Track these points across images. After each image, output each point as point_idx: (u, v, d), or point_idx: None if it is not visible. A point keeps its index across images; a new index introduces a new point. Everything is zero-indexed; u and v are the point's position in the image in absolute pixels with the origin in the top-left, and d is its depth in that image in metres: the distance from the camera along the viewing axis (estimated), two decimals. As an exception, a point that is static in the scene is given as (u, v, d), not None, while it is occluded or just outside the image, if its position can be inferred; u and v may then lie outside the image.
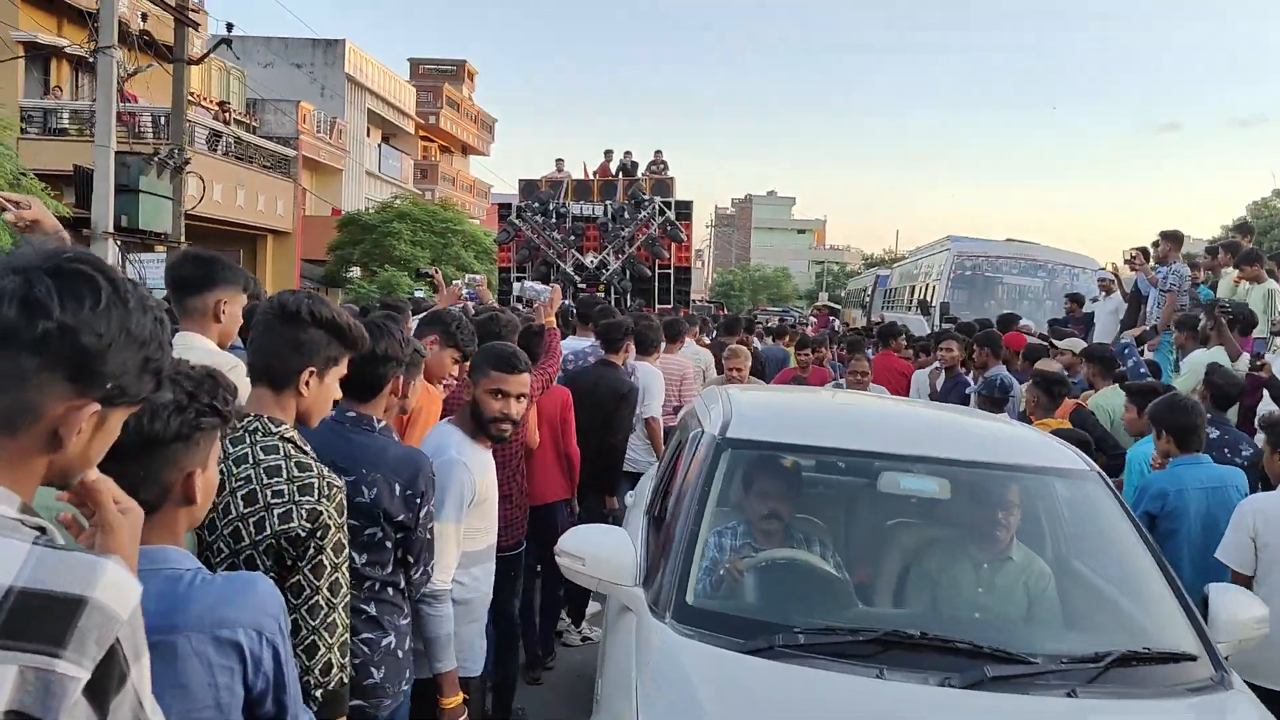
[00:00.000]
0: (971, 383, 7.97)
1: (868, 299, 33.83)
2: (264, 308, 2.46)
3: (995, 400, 6.54)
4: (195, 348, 3.02)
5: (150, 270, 14.87)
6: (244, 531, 2.19)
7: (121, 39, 16.82)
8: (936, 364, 8.84)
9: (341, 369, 2.45)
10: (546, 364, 5.08)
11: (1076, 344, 8.36)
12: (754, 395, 4.89)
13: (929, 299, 19.28)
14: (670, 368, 7.34)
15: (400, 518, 2.79)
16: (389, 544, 2.81)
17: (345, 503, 2.33)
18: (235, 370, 2.79)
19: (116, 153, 13.08)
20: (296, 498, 2.21)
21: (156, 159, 13.39)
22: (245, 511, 2.19)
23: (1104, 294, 12.09)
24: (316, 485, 2.24)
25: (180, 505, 1.74)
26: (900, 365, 10.55)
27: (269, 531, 2.18)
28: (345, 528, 2.31)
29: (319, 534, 2.20)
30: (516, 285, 19.57)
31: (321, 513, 2.22)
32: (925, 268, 21.49)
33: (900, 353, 11.26)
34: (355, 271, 31.30)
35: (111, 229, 12.84)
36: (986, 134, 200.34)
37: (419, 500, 2.82)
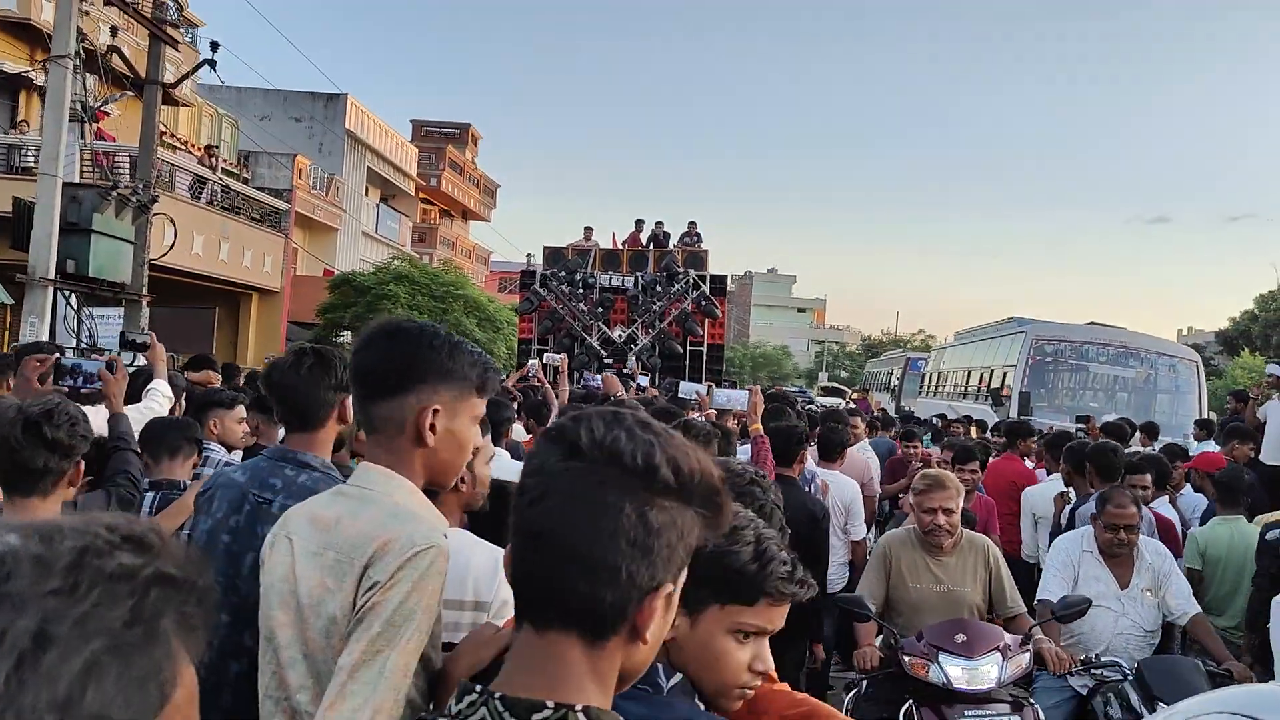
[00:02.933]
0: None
1: (895, 383, 31.60)
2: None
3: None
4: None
5: (103, 327, 12.44)
6: None
7: (93, 66, 14.67)
8: (1060, 484, 6.53)
9: None
10: None
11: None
12: None
13: (1000, 387, 16.96)
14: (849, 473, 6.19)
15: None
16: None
17: None
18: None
19: (66, 184, 10.72)
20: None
21: (115, 194, 11.01)
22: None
23: (1277, 394, 9.82)
24: None
25: None
26: (1022, 473, 8.21)
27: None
28: None
29: None
30: (536, 360, 17.80)
31: None
32: (988, 353, 19.22)
33: (1028, 456, 8.98)
34: (346, 336, 28.94)
35: (52, 274, 10.41)
36: (988, 219, 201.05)
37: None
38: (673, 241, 21.12)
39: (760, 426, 4.83)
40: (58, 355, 4.53)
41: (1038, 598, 4.53)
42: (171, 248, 13.02)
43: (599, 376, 6.34)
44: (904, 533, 4.53)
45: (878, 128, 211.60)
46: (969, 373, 20.66)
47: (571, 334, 18.75)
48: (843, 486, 5.87)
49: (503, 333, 29.76)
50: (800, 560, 4.56)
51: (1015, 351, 16.85)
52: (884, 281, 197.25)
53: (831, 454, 6.12)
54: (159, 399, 4.64)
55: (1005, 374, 17.26)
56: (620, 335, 18.80)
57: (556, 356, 13.91)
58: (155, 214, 12.63)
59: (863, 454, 7.40)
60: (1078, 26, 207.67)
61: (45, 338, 10.40)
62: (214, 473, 2.84)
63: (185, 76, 13.35)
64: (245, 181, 26.94)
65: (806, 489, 5.32)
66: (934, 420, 13.99)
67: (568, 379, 8.08)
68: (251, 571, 2.20)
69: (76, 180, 12.92)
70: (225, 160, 27.90)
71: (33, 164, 19.27)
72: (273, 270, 24.02)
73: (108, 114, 20.15)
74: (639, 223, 21.81)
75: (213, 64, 12.59)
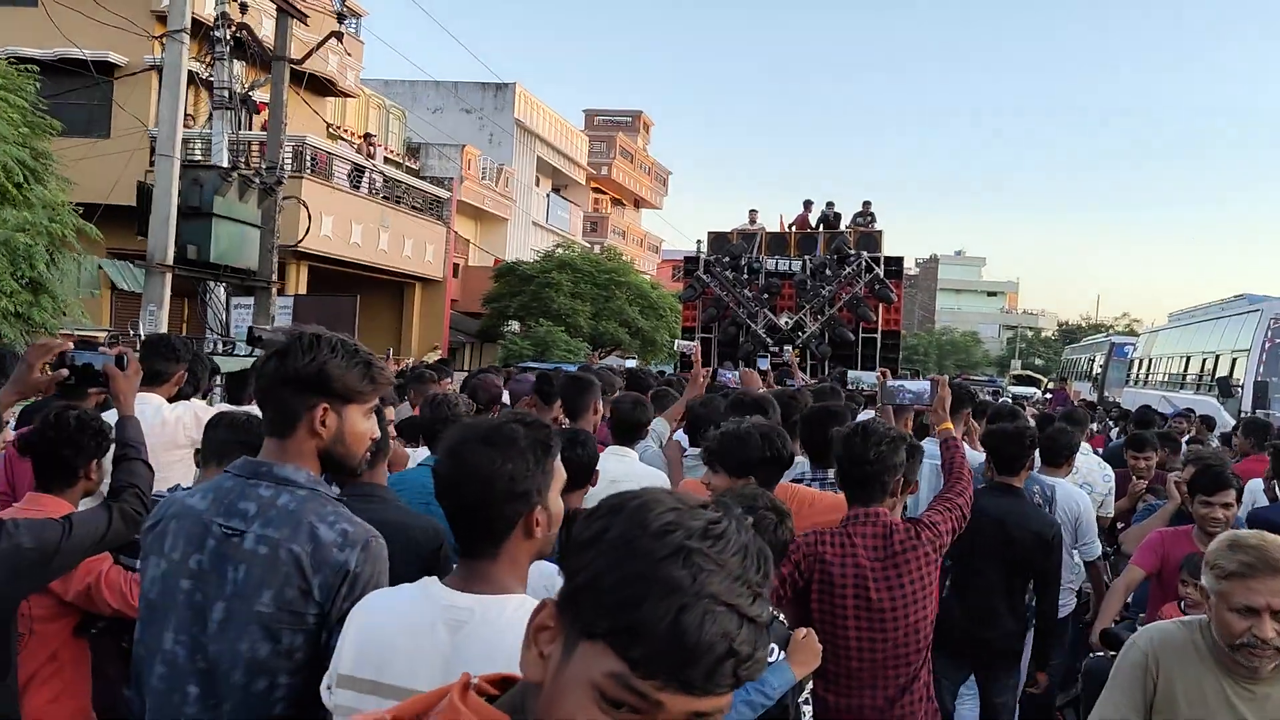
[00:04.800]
0: None
1: (1098, 371, 28.65)
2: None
3: None
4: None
5: (237, 318, 12.02)
6: None
7: (239, 49, 14.40)
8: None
9: None
10: (955, 495, 3.48)
11: None
12: None
13: (1229, 375, 14.52)
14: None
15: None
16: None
17: None
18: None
19: (186, 166, 10.25)
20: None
21: (237, 176, 10.47)
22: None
23: None
24: None
25: None
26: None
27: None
28: None
29: None
30: (680, 344, 16.72)
31: None
32: (1213, 336, 16.65)
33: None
34: (513, 325, 28.67)
35: (170, 260, 9.94)
36: (1196, 198, 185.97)
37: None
38: (844, 222, 19.80)
39: (950, 425, 3.93)
40: (71, 345, 3.62)
41: None
42: (307, 232, 12.51)
43: (735, 372, 5.30)
44: (1180, 633, 2.60)
45: (1072, 103, 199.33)
46: (1187, 359, 18.06)
47: (736, 321, 17.84)
48: (1071, 497, 5.04)
49: (665, 320, 28.80)
50: (1017, 585, 4.26)
51: (1248, 333, 14.37)
52: (1082, 263, 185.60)
53: (1058, 459, 5.15)
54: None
55: (1235, 360, 14.78)
56: (787, 322, 17.74)
57: (690, 345, 12.88)
58: (287, 198, 12.10)
59: (1087, 462, 5.88)
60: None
61: (164, 327, 9.95)
62: (164, 499, 2.19)
63: (311, 52, 12.76)
64: (414, 173, 26.92)
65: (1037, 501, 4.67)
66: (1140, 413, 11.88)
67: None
68: (223, 627, 1.89)
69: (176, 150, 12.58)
70: (391, 151, 28.01)
71: (199, 158, 19.52)
72: (434, 260, 23.78)
73: (265, 103, 20.28)
74: (807, 204, 20.57)
75: (339, 36, 11.95)
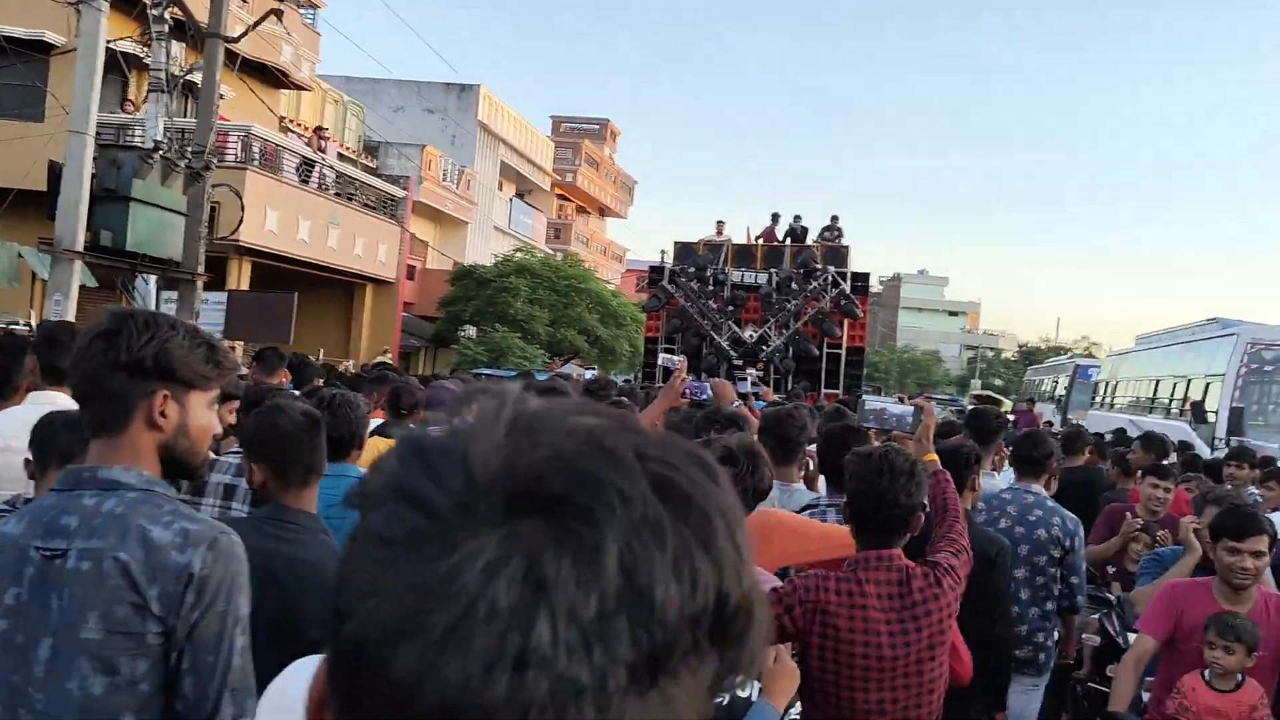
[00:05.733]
0: None
1: (1062, 393, 28.34)
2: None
3: None
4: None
5: (169, 313, 11.17)
6: None
7: (179, 30, 13.55)
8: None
9: None
10: (958, 536, 2.99)
11: None
12: None
13: (1202, 401, 14.10)
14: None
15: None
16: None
17: None
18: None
19: (104, 146, 9.43)
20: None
21: (160, 159, 9.65)
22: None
23: None
24: None
25: None
26: None
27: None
28: None
29: None
30: (663, 357, 16.36)
31: None
32: (1184, 360, 16.27)
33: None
34: (470, 331, 27.87)
35: (80, 246, 9.10)
36: (1158, 224, 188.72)
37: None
38: (811, 236, 19.79)
39: (935, 456, 3.56)
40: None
41: None
42: (240, 223, 11.67)
43: (709, 382, 4.87)
44: None
45: (1039, 125, 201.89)
46: (1156, 383, 17.68)
47: (700, 333, 17.78)
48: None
49: (626, 329, 28.15)
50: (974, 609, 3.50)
51: (1223, 358, 13.97)
52: (1043, 286, 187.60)
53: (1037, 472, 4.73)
54: None
55: (1208, 385, 14.37)
56: (751, 335, 17.63)
57: (675, 359, 12.82)
58: (218, 185, 11.27)
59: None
60: (1260, 22, 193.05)
61: (71, 316, 9.11)
62: None
63: (250, 29, 11.98)
64: (371, 171, 26.06)
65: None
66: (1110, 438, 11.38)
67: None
68: (50, 668, 1.63)
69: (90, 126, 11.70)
70: (347, 147, 27.14)
71: (138, 143, 18.58)
72: (387, 260, 22.94)
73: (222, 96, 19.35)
74: (775, 216, 20.47)
75: (279, 14, 11.19)
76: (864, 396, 9.26)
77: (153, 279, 11.86)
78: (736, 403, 5.19)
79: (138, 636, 1.63)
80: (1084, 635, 4.89)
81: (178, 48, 14.58)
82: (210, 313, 12.85)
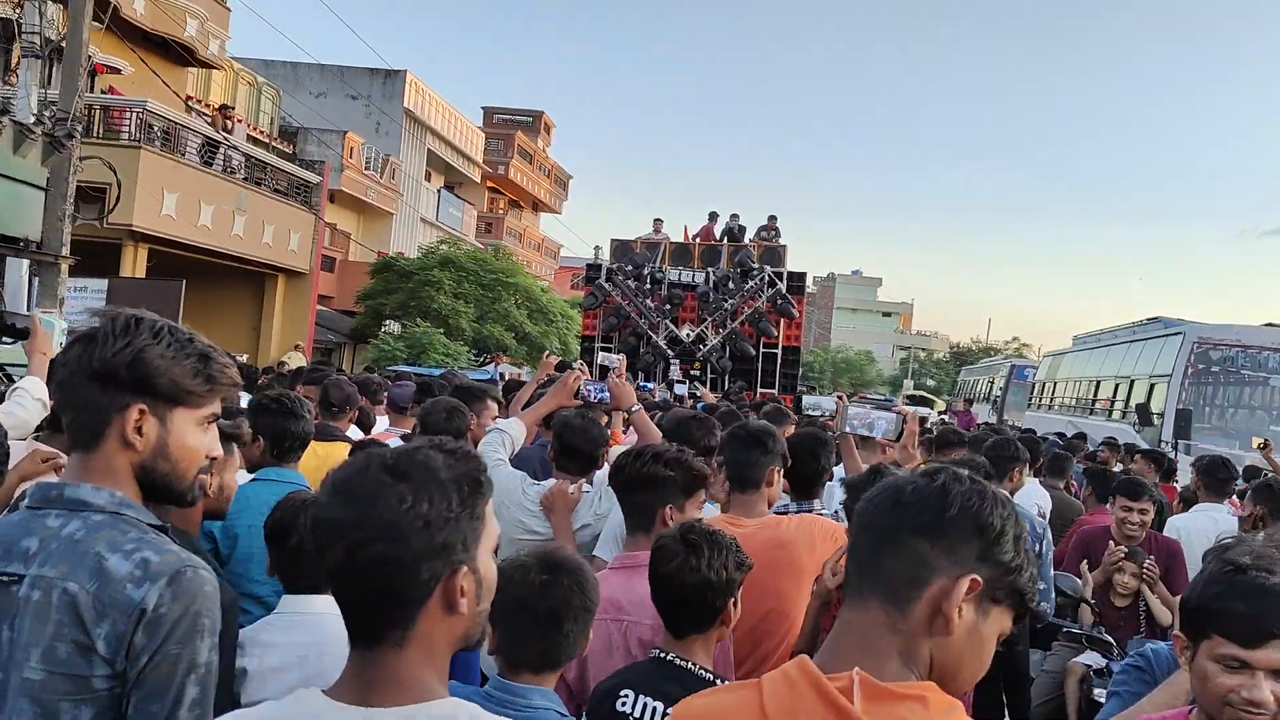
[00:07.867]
0: None
1: (997, 394, 28.02)
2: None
3: None
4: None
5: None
6: None
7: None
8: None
9: None
10: None
11: None
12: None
13: (1146, 402, 13.56)
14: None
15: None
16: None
17: None
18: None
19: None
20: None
21: (10, 123, 8.43)
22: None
23: None
24: None
25: None
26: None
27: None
28: None
29: None
30: (602, 356, 15.77)
31: None
32: (1127, 360, 15.78)
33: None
34: (392, 326, 26.64)
35: (-94, 221, 7.86)
36: (1090, 228, 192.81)
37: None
38: (749, 235, 19.71)
39: (923, 464, 3.41)
40: None
41: None
42: (117, 204, 10.43)
43: (607, 382, 4.07)
44: None
45: (972, 131, 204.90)
46: (1097, 384, 17.23)
47: (637, 332, 17.77)
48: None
49: (556, 326, 27.16)
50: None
51: (1169, 358, 13.46)
52: (975, 288, 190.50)
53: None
54: (26, 402, 3.51)
55: (1153, 386, 13.86)
56: (689, 334, 17.68)
57: (614, 358, 12.31)
58: (86, 158, 10.03)
59: (1030, 497, 4.67)
60: (1189, 35, 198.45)
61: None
62: None
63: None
64: (287, 156, 24.65)
65: None
66: (1053, 439, 10.75)
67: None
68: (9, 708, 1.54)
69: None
70: (260, 130, 25.71)
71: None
72: (300, 249, 21.61)
73: (105, 65, 17.91)
74: (713, 215, 20.24)
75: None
76: (804, 397, 8.68)
77: (24, 263, 10.66)
78: (637, 406, 4.39)
79: (81, 680, 1.48)
80: (1066, 680, 4.17)
81: (55, 10, 13.35)
82: (88, 301, 11.71)
